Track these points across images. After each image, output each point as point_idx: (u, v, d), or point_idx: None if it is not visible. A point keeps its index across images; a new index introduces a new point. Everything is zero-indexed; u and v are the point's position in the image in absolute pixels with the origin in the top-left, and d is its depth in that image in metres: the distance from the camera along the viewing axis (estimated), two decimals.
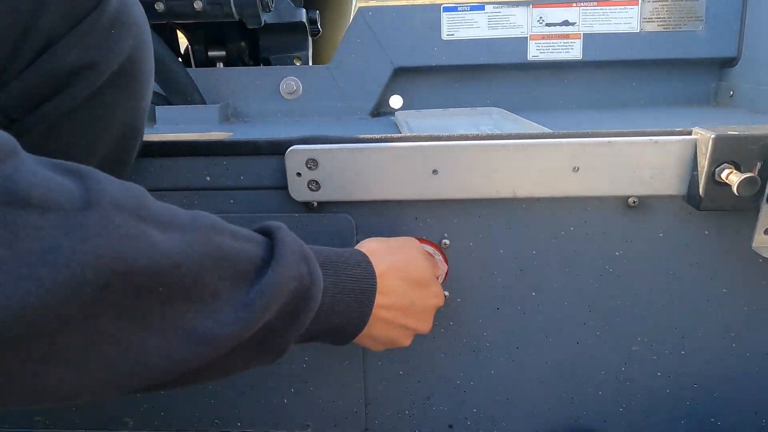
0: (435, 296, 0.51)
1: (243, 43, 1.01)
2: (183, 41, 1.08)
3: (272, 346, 0.37)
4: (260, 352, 0.37)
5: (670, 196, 0.54)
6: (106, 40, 0.41)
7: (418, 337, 0.61)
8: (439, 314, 0.60)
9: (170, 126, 0.82)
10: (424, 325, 0.51)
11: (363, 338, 0.46)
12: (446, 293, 0.60)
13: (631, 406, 0.62)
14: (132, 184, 0.31)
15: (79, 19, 0.39)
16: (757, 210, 0.49)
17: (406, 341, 0.51)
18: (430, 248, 0.58)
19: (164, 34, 0.92)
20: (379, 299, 0.45)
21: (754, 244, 0.50)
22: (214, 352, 0.32)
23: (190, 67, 1.01)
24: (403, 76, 0.89)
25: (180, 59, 1.06)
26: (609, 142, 0.51)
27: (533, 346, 0.61)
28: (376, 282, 0.44)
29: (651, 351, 0.60)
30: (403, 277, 0.47)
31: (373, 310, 0.44)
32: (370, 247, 0.48)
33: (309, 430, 0.66)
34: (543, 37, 0.85)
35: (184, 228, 0.32)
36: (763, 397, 0.61)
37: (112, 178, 0.30)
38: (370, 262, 0.45)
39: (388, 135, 0.54)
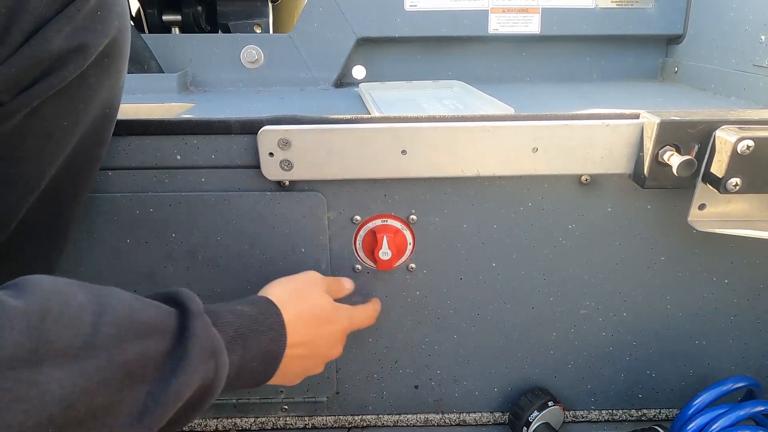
0: (340, 325, 0.54)
1: (199, 8, 0.97)
2: (134, 4, 1.03)
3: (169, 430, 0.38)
4: None
5: (618, 175, 0.59)
6: (93, 22, 0.40)
7: (388, 307, 0.65)
8: (407, 285, 0.64)
9: (127, 96, 0.79)
10: (335, 351, 0.55)
11: (275, 380, 0.47)
12: (413, 265, 0.63)
13: (578, 363, 0.69)
14: (32, 300, 0.30)
15: (67, 2, 0.39)
16: (693, 188, 0.54)
17: (319, 369, 0.54)
18: (398, 224, 0.61)
19: None
20: (289, 345, 0.46)
21: (689, 218, 0.55)
22: None
23: (143, 32, 0.97)
24: (365, 46, 0.89)
25: (131, 23, 1.01)
26: (565, 124, 0.55)
27: (492, 312, 0.66)
28: (285, 343, 0.46)
29: (597, 313, 0.66)
30: (311, 319, 0.50)
31: (283, 359, 0.46)
32: (278, 295, 0.49)
33: (282, 396, 0.70)
34: (504, 11, 0.87)
35: (82, 351, 0.31)
36: (691, 351, 0.69)
37: (15, 299, 0.29)
38: (282, 322, 0.46)
39: (359, 116, 0.55)
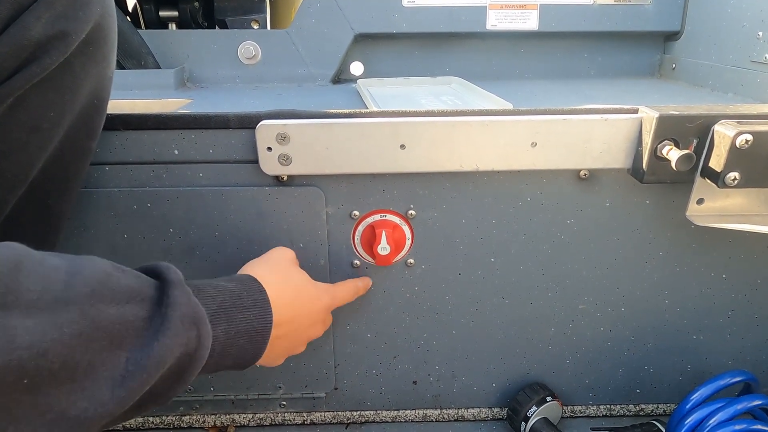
0: (322, 303, 0.54)
1: (196, 3, 0.97)
2: None
3: (153, 404, 0.37)
4: (140, 410, 0.36)
5: (617, 170, 0.59)
6: (74, 8, 0.40)
7: (386, 303, 0.65)
8: (405, 280, 0.64)
9: (124, 92, 0.79)
10: (315, 330, 0.55)
11: (261, 362, 0.47)
12: (411, 260, 0.63)
13: (576, 358, 0.69)
14: (4, 253, 0.30)
15: None
16: (692, 182, 0.54)
17: (300, 349, 0.54)
18: (396, 219, 0.61)
19: None
20: (274, 324, 0.46)
21: (687, 213, 0.55)
22: (88, 430, 0.32)
23: (140, 28, 0.96)
24: (363, 42, 0.89)
25: (128, 19, 1.01)
26: (564, 119, 0.55)
27: (491, 308, 0.66)
28: (272, 320, 0.45)
29: (595, 309, 0.66)
30: (294, 298, 0.50)
31: (270, 341, 0.45)
32: (259, 274, 0.48)
33: (280, 392, 0.69)
34: (502, 7, 0.87)
35: (54, 305, 0.30)
36: (689, 346, 0.69)
37: None
38: (267, 299, 0.45)
39: (358, 110, 0.55)
